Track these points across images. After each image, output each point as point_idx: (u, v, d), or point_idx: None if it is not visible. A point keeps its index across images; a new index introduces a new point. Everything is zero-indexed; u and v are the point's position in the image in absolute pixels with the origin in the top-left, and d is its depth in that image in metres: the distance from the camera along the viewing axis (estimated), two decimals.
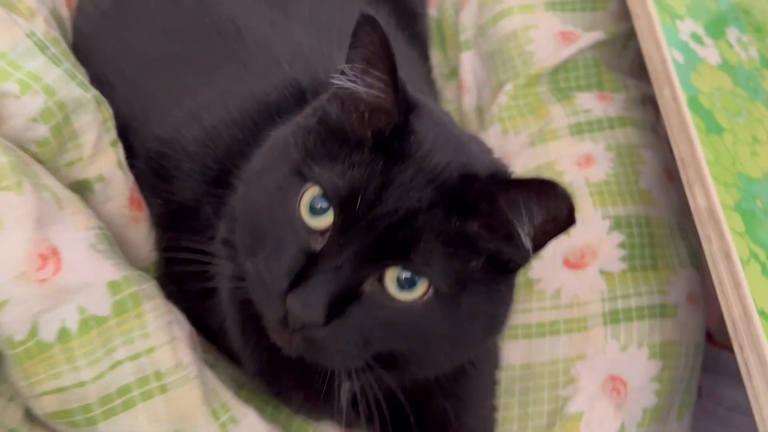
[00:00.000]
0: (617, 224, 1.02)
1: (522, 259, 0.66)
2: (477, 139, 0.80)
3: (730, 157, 0.95)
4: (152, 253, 0.88)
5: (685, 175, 0.91)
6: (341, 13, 0.95)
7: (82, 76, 0.83)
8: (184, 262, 0.76)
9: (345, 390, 0.77)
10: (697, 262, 1.04)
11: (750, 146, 1.00)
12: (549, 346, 0.95)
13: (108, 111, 0.84)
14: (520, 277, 1.01)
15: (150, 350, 0.70)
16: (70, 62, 0.83)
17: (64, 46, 0.87)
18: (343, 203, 0.61)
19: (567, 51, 1.18)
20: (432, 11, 1.40)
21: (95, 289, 0.68)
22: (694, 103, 0.97)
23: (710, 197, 0.87)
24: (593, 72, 1.19)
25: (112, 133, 0.84)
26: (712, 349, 1.25)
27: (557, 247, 1.02)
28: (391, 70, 0.62)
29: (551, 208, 0.61)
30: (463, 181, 0.63)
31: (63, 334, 0.66)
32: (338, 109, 0.66)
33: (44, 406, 0.68)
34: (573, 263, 1.01)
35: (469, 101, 1.28)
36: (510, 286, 0.70)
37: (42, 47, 0.77)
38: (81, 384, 0.67)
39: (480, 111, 1.27)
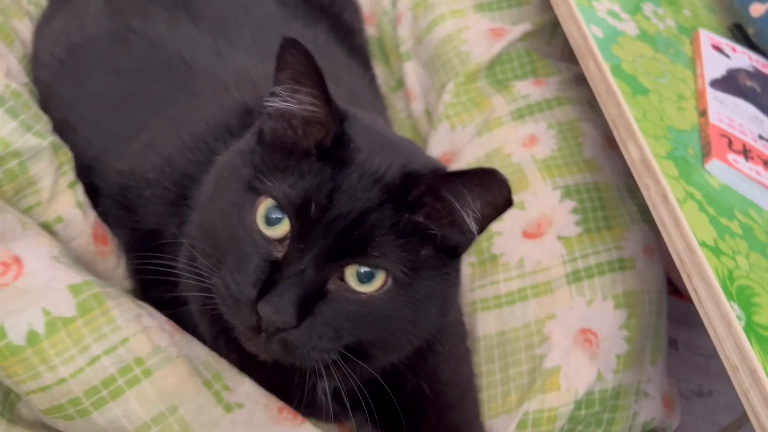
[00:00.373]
0: (567, 193, 1.09)
1: (467, 242, 0.72)
2: (410, 141, 0.86)
3: (658, 114, 1.03)
4: (125, 281, 0.93)
5: (618, 134, 0.99)
6: (278, 36, 1.02)
7: (41, 125, 0.89)
8: (156, 282, 0.81)
9: (323, 388, 0.82)
10: (648, 217, 1.10)
11: (676, 103, 1.08)
12: (520, 312, 1.00)
13: (66, 155, 0.90)
14: (485, 254, 1.08)
15: (125, 341, 0.74)
16: (30, 113, 0.89)
17: (26, 96, 0.93)
18: (297, 211, 0.66)
19: (499, 45, 1.27)
20: (372, 30, 1.49)
21: (57, 293, 0.73)
22: (618, 71, 1.05)
23: (642, 149, 0.94)
24: (526, 61, 1.28)
25: (70, 176, 0.90)
26: (681, 303, 1.31)
27: (515, 221, 1.08)
28: (320, 85, 0.67)
29: (491, 193, 0.67)
30: (406, 178, 0.69)
31: (32, 337, 0.71)
32: (278, 127, 0.71)
33: (35, 403, 0.72)
34: (531, 234, 1.07)
35: (417, 107, 1.36)
36: (457, 270, 0.76)
37: (1, 101, 0.83)
38: (62, 381, 0.71)
39: (429, 114, 1.34)
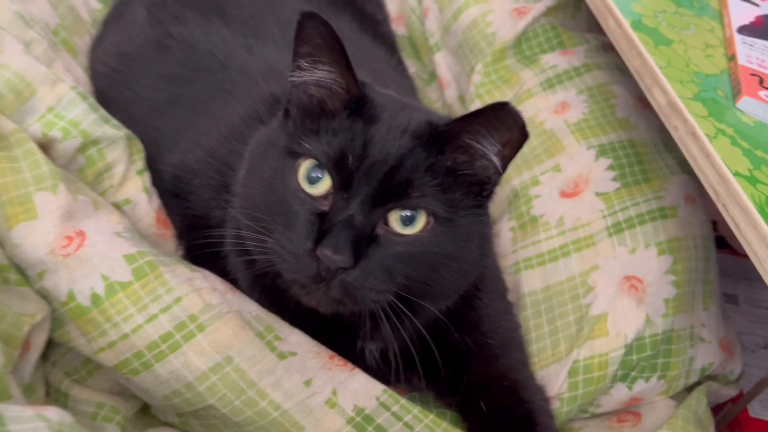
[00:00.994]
0: (602, 151, 1.10)
1: (494, 179, 0.77)
2: (425, 107, 0.91)
3: (683, 61, 1.03)
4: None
5: (643, 84, 1.00)
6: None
7: (114, 120, 0.99)
8: (206, 262, 0.88)
9: (371, 350, 0.86)
10: (688, 169, 1.10)
11: (703, 51, 1.08)
12: (563, 267, 1.01)
13: (137, 146, 0.99)
14: (525, 217, 1.10)
15: (178, 300, 0.80)
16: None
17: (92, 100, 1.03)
18: (336, 165, 0.72)
19: (523, 22, 1.30)
20: (401, 30, 1.55)
21: (113, 261, 0.81)
22: (639, 25, 1.06)
23: (667, 92, 0.95)
24: (552, 35, 1.31)
25: (139, 164, 0.99)
26: (737, 260, 1.28)
27: (552, 183, 1.10)
28: (341, 51, 0.73)
29: (506, 126, 0.71)
30: (430, 126, 0.75)
31: (95, 299, 0.79)
32: (304, 96, 0.77)
33: (105, 360, 0.79)
34: (569, 193, 1.08)
35: (450, 94, 1.40)
36: (487, 214, 0.81)
37: (83, 97, 0.94)
38: (125, 336, 0.78)
39: (462, 99, 1.38)
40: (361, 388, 0.84)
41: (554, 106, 1.19)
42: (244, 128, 0.92)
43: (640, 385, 0.94)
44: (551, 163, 1.12)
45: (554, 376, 0.93)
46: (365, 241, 0.71)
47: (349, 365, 0.85)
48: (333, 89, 0.75)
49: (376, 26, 1.24)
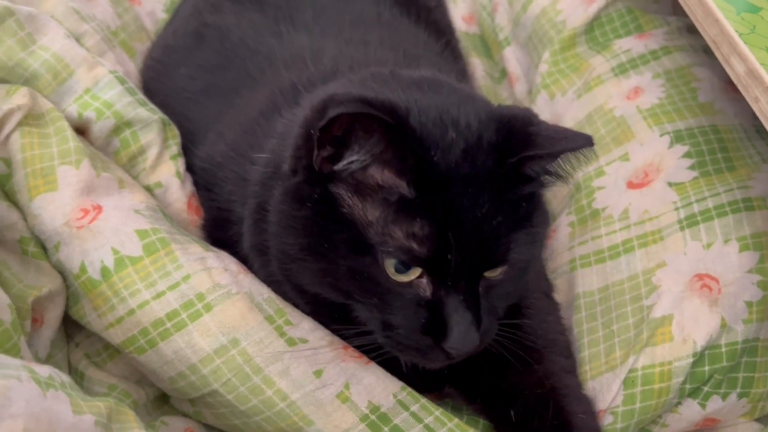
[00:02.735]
0: (678, 138, 0.97)
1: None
2: (472, 100, 0.74)
3: None
4: None
5: (720, 53, 0.87)
6: (342, 13, 1.05)
7: (152, 104, 0.99)
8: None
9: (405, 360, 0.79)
10: None
11: None
12: (625, 264, 0.89)
13: (173, 131, 0.99)
14: (585, 211, 0.99)
15: (186, 278, 0.77)
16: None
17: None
18: (427, 261, 0.64)
19: (595, 6, 1.20)
20: (474, 28, 1.49)
21: (125, 235, 0.79)
22: None
23: (747, 60, 0.81)
24: (629, 19, 1.19)
25: (174, 149, 0.98)
26: None
27: (618, 173, 0.98)
28: (405, 146, 0.62)
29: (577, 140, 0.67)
30: (500, 159, 0.65)
31: (105, 272, 0.77)
32: (357, 182, 0.66)
33: (113, 337, 0.77)
34: (637, 183, 0.96)
35: (520, 89, 1.31)
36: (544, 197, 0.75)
37: (121, 80, 0.95)
38: (131, 312, 0.76)
39: (531, 93, 1.29)
40: (377, 383, 0.76)
41: (626, 92, 1.07)
42: (263, 120, 0.88)
43: (715, 403, 0.80)
44: (619, 152, 1.00)
45: (606, 386, 0.80)
46: (477, 308, 0.66)
47: (364, 358, 0.78)
48: (391, 185, 0.64)
49: (423, 12, 1.17)
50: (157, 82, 1.07)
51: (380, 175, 0.65)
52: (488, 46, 1.45)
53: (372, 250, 0.64)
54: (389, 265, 0.65)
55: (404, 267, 0.65)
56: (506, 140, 0.67)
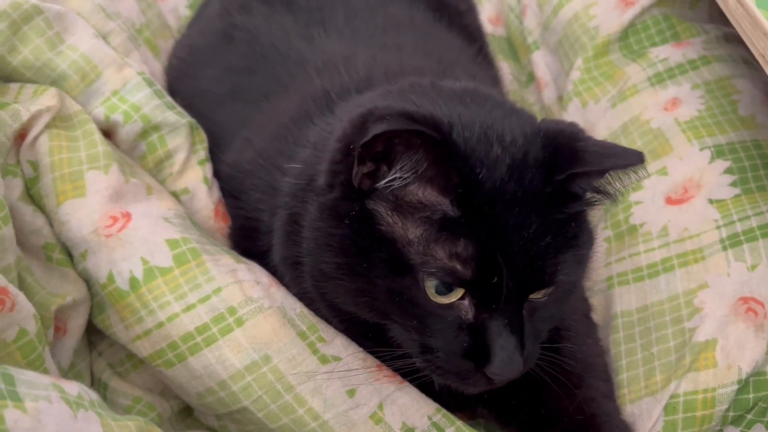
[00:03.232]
0: (720, 152, 0.94)
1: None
2: (516, 117, 0.71)
3: None
4: None
5: None
6: (375, 17, 1.02)
7: (179, 108, 0.97)
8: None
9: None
10: None
11: None
12: (665, 284, 0.86)
13: (200, 136, 0.96)
14: (622, 226, 0.96)
15: (218, 290, 0.74)
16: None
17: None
18: (470, 283, 0.61)
19: (630, 13, 1.16)
20: (500, 30, 1.45)
21: (154, 245, 0.77)
22: (763, 2, 0.90)
23: None
24: (665, 26, 1.16)
25: (201, 154, 0.96)
26: None
27: (656, 188, 0.95)
28: (450, 171, 0.60)
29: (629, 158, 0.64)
30: (549, 177, 0.63)
31: (133, 282, 0.75)
32: (400, 200, 0.63)
33: (140, 350, 0.75)
34: (676, 200, 0.93)
35: (549, 94, 1.28)
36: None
37: (149, 83, 0.92)
38: (160, 325, 0.74)
39: (561, 100, 1.26)
40: (411, 404, 0.74)
41: (664, 103, 1.04)
42: (294, 127, 0.84)
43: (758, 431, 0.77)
44: (657, 166, 0.98)
45: (647, 411, 0.78)
46: (521, 333, 0.64)
47: (398, 377, 0.75)
48: (433, 203, 0.62)
49: (455, 16, 1.14)
50: (182, 83, 1.05)
51: (422, 192, 0.62)
52: (515, 49, 1.42)
53: (412, 270, 0.62)
54: (430, 286, 0.62)
55: (446, 289, 0.62)
56: (553, 156, 0.64)
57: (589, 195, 0.67)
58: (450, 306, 0.63)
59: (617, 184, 0.66)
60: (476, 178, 0.61)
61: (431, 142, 0.59)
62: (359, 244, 0.64)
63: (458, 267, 0.61)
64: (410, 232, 0.62)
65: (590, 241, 0.71)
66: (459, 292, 0.63)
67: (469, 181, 0.61)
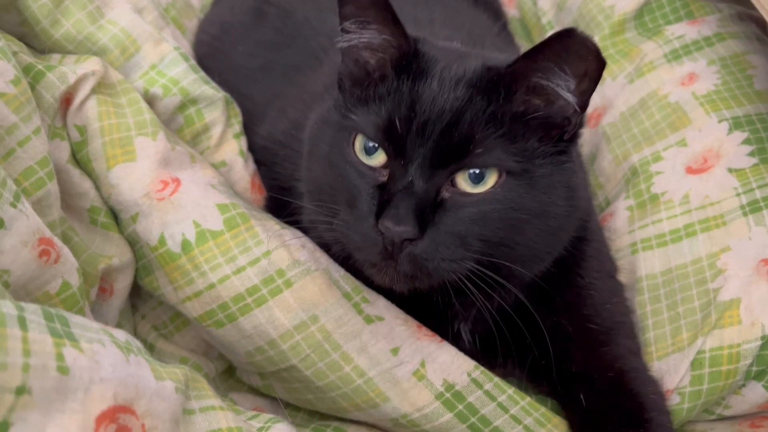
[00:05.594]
0: (737, 124, 0.98)
1: (573, 121, 0.69)
2: (490, 53, 0.83)
3: None
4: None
5: None
6: None
7: (214, 83, 0.99)
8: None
9: (466, 330, 0.80)
10: None
11: None
12: (688, 248, 0.90)
13: (235, 110, 0.99)
14: (644, 195, 0.99)
15: (267, 253, 0.77)
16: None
17: None
18: (386, 133, 0.67)
19: None
20: (513, 12, 1.48)
21: (206, 209, 0.79)
22: None
23: None
24: (680, 5, 1.19)
25: (236, 128, 0.98)
26: None
27: (677, 158, 0.99)
28: (388, 7, 0.67)
29: (577, 56, 0.63)
30: (489, 71, 0.68)
31: (185, 245, 0.77)
32: (352, 63, 0.73)
33: (190, 311, 0.78)
34: (696, 169, 0.96)
35: None
36: (573, 160, 0.72)
37: (186, 58, 0.95)
38: (211, 286, 0.76)
39: None
40: (451, 362, 0.77)
41: (680, 78, 1.07)
42: (328, 97, 0.88)
43: None
44: (676, 138, 1.01)
45: (674, 367, 0.82)
46: (430, 207, 0.65)
47: (437, 337, 0.78)
48: (383, 49, 0.70)
49: None
50: (213, 59, 1.07)
51: (372, 41, 0.71)
52: (528, 30, 1.45)
53: (348, 130, 0.70)
54: (359, 147, 0.69)
55: (372, 147, 0.68)
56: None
57: (520, 92, 0.68)
58: (373, 170, 0.68)
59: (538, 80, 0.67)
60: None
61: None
62: (333, 120, 0.72)
63: (377, 120, 0.67)
64: (356, 94, 0.71)
65: (563, 180, 0.70)
66: (382, 155, 0.67)
67: (416, 56, 0.70)
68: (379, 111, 0.68)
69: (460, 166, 0.66)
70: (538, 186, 0.67)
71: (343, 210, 0.69)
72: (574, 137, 0.71)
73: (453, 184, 0.66)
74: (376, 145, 0.68)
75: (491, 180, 0.66)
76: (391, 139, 0.67)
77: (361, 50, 0.72)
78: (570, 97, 0.66)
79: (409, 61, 0.70)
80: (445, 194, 0.66)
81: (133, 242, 0.82)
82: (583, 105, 0.67)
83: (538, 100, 0.67)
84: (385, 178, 0.67)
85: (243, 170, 0.95)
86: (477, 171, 0.66)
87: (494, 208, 0.66)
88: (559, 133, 0.69)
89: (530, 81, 0.66)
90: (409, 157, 0.66)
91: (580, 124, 0.71)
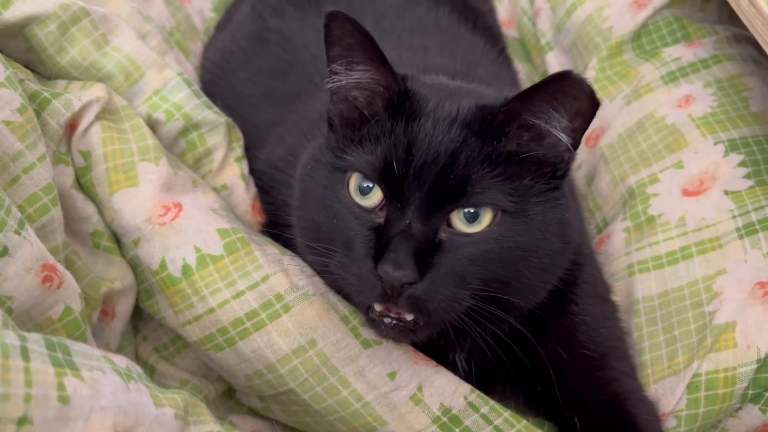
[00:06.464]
0: (733, 146, 0.99)
1: (566, 158, 0.70)
2: (481, 86, 0.84)
3: None
4: None
5: None
6: (401, 19, 1.07)
7: (216, 107, 1.01)
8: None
9: (461, 359, 0.81)
10: None
11: None
12: (684, 270, 0.90)
13: (237, 134, 1.00)
14: (641, 217, 1.00)
15: (265, 278, 0.78)
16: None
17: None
18: (383, 175, 0.68)
19: (643, 14, 1.21)
20: (512, 32, 1.50)
21: (207, 234, 0.80)
22: None
23: None
24: (676, 27, 1.20)
25: (238, 152, 0.99)
26: None
27: (673, 180, 1.00)
28: (373, 49, 0.68)
29: (572, 97, 0.65)
30: (482, 110, 0.69)
31: (186, 270, 0.78)
32: (342, 104, 0.74)
33: (190, 334, 0.79)
34: (692, 191, 0.97)
35: None
36: (565, 196, 0.73)
37: (188, 83, 0.96)
38: (211, 310, 0.77)
39: None
40: (448, 386, 0.78)
41: (677, 100, 1.09)
42: (322, 123, 0.89)
43: None
44: (672, 160, 1.02)
45: (670, 390, 0.82)
46: (428, 249, 0.66)
47: (433, 362, 0.79)
48: (372, 89, 0.71)
49: (478, 18, 1.19)
50: (217, 86, 1.09)
51: (360, 82, 0.72)
52: (528, 50, 1.47)
53: (342, 170, 0.71)
54: (354, 188, 0.69)
55: (367, 187, 0.69)
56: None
57: (514, 132, 0.68)
58: (369, 211, 0.68)
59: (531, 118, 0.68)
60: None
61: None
62: (326, 161, 0.73)
63: (373, 160, 0.68)
64: (349, 135, 0.72)
65: (558, 216, 0.71)
66: (378, 194, 0.68)
67: (407, 96, 0.71)
68: (375, 151, 0.69)
69: (456, 207, 0.67)
70: (533, 224, 0.68)
71: (339, 251, 0.70)
72: (566, 173, 0.72)
73: (449, 225, 0.67)
74: (371, 185, 0.69)
75: (486, 219, 0.67)
76: (387, 180, 0.68)
77: (350, 90, 0.72)
78: (563, 137, 0.67)
79: (400, 101, 0.71)
80: (443, 235, 0.67)
81: (135, 266, 0.83)
82: (576, 143, 0.69)
83: (531, 140, 0.68)
84: (381, 220, 0.68)
85: (244, 193, 0.96)
86: (472, 210, 0.67)
87: (491, 248, 0.67)
88: (552, 170, 0.70)
89: (524, 120, 0.67)
90: (406, 200, 0.66)
91: (572, 161, 0.72)
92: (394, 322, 0.70)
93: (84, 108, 0.84)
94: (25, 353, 0.52)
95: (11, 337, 0.52)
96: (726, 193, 0.95)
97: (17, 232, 0.68)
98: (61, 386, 0.52)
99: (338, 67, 0.71)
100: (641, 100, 1.13)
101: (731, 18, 1.24)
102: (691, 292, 0.88)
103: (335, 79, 0.72)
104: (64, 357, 0.55)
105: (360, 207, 0.69)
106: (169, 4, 1.20)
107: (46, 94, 0.82)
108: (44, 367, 0.53)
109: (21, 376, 0.50)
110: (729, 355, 0.81)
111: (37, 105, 0.81)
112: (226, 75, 1.10)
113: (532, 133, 0.68)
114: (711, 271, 0.88)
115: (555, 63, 1.36)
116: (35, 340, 0.54)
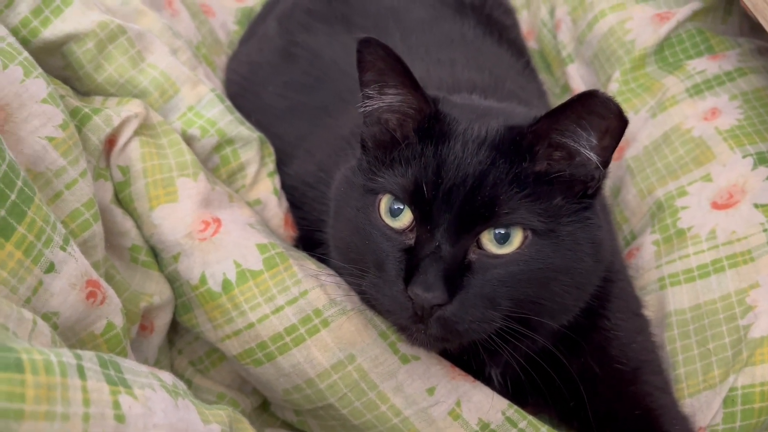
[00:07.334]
0: (762, 159, 0.99)
1: (596, 177, 0.70)
2: (511, 105, 0.85)
3: None
4: None
5: None
6: (428, 34, 1.08)
7: (249, 123, 1.01)
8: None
9: (495, 374, 0.81)
10: None
11: None
12: (716, 284, 0.91)
13: (268, 149, 1.01)
14: (670, 230, 1.00)
15: (304, 293, 0.79)
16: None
17: None
18: (412, 197, 0.68)
19: (666, 27, 1.21)
20: (532, 44, 1.50)
21: (246, 249, 0.81)
22: None
23: None
24: (699, 40, 1.21)
25: (270, 167, 1.00)
26: None
27: (702, 193, 1.00)
28: (405, 73, 0.69)
29: (599, 117, 0.65)
30: (511, 131, 0.69)
31: (226, 285, 0.79)
32: (375, 126, 0.74)
33: (229, 349, 0.79)
34: (722, 204, 0.98)
35: None
36: (597, 214, 0.73)
37: (221, 99, 0.97)
38: (251, 325, 0.78)
39: None
40: (485, 401, 0.78)
41: (703, 113, 1.09)
42: (353, 141, 0.89)
43: None
44: (700, 173, 1.02)
45: (706, 404, 0.82)
46: (458, 271, 0.67)
47: (470, 377, 0.80)
48: (404, 112, 0.72)
49: (503, 32, 1.20)
50: (244, 99, 1.09)
51: (392, 106, 0.73)
52: (548, 62, 1.47)
53: (374, 192, 0.72)
54: (384, 210, 0.70)
55: (397, 209, 0.70)
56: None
57: (543, 152, 0.68)
58: (399, 233, 0.69)
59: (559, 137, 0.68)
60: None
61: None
62: (358, 183, 0.74)
63: (404, 182, 0.69)
64: (380, 157, 0.73)
65: (590, 235, 0.71)
66: (408, 216, 0.69)
67: (438, 119, 0.71)
68: (405, 173, 0.70)
69: (485, 228, 0.67)
70: (564, 244, 0.69)
71: (371, 272, 0.71)
72: (597, 191, 0.72)
73: (479, 246, 0.68)
74: (402, 207, 0.69)
75: (517, 240, 0.68)
76: (417, 202, 0.68)
77: (383, 113, 0.73)
78: (592, 155, 0.67)
79: (431, 124, 0.71)
80: (473, 257, 0.68)
81: (173, 280, 0.84)
82: (606, 162, 0.69)
83: (560, 159, 0.68)
84: (411, 242, 0.69)
85: (277, 208, 0.97)
86: (502, 231, 0.67)
87: (521, 269, 0.67)
88: (582, 189, 0.70)
89: (553, 140, 0.67)
90: (435, 222, 0.67)
91: (603, 179, 0.72)
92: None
93: (123, 124, 0.84)
94: (81, 371, 0.52)
95: (68, 356, 0.53)
96: (756, 206, 0.95)
97: (63, 248, 0.69)
98: (116, 404, 0.53)
99: (371, 92, 0.72)
100: (667, 113, 1.13)
101: (753, 30, 1.25)
102: (724, 306, 0.88)
103: (368, 103, 0.73)
104: (117, 374, 0.56)
105: (391, 228, 0.70)
106: (194, 17, 1.21)
107: (86, 110, 0.83)
108: (100, 385, 0.53)
109: (79, 395, 0.51)
110: (765, 369, 0.81)
111: (78, 121, 0.82)
112: (252, 88, 1.11)
113: (561, 153, 0.68)
114: (744, 285, 0.89)
115: (576, 75, 1.37)
116: (89, 358, 0.55)
